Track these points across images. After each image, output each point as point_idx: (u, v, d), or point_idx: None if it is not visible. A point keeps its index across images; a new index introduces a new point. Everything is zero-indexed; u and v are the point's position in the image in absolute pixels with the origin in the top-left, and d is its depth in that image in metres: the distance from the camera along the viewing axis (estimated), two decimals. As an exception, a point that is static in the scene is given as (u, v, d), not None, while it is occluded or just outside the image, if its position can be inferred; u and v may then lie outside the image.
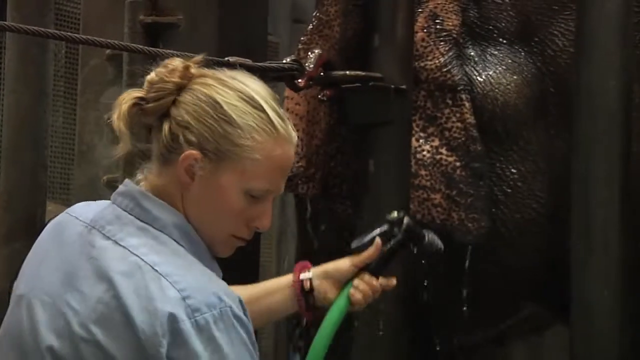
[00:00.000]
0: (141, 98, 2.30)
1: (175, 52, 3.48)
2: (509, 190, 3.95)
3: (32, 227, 4.27)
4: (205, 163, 2.34)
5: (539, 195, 3.90)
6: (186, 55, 3.41)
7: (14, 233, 4.30)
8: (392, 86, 3.66)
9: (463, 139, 3.83)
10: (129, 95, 2.29)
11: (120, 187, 2.42)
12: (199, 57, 2.42)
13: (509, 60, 3.99)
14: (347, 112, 3.81)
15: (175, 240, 2.36)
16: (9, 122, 4.36)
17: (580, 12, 3.71)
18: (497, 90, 3.94)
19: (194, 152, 2.30)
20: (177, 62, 2.35)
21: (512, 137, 3.95)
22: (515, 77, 3.94)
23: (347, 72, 3.73)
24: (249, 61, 3.53)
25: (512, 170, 3.91)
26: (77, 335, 2.27)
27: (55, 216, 3.96)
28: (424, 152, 3.83)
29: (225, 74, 2.41)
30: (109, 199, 2.87)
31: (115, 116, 2.28)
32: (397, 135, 3.68)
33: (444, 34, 3.94)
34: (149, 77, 2.36)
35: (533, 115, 3.92)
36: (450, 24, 3.98)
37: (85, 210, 2.49)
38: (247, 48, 3.75)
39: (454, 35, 3.97)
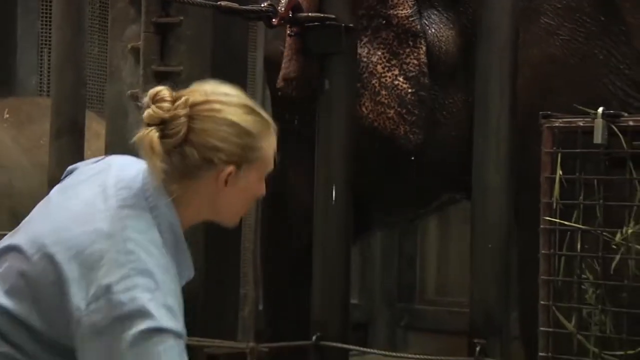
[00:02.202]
0: (163, 135, 2.43)
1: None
2: (445, 113, 4.18)
3: (74, 127, 4.53)
4: (237, 172, 2.53)
5: (464, 117, 4.08)
6: (189, 2, 3.98)
7: (62, 132, 4.52)
8: (343, 25, 3.93)
9: (416, 72, 4.07)
10: (154, 136, 2.42)
11: (147, 175, 2.55)
12: (190, 91, 2.54)
13: (445, 19, 4.16)
14: (308, 45, 4.11)
15: (160, 232, 2.50)
16: (56, 50, 4.57)
17: None
18: (441, 40, 4.13)
19: (230, 167, 2.51)
20: (168, 93, 2.49)
21: (450, 75, 4.16)
22: (451, 31, 4.13)
23: (309, 14, 4.01)
24: (236, 5, 3.85)
25: (449, 100, 4.15)
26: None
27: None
28: (386, 78, 4.07)
29: (216, 92, 2.59)
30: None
31: (149, 154, 2.43)
32: (346, 62, 3.95)
33: None
34: (157, 113, 2.46)
35: (463, 59, 4.10)
36: None
37: (122, 166, 2.67)
38: (234, -2, 4.02)
39: None
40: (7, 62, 7.38)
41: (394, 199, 4.61)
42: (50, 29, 5.22)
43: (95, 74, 5.28)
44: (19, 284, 2.49)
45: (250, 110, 2.61)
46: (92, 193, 2.59)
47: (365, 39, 4.09)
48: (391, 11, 4.05)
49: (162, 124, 2.47)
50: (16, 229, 2.77)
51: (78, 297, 2.36)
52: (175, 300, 2.44)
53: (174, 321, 2.36)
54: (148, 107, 2.51)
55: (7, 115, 5.83)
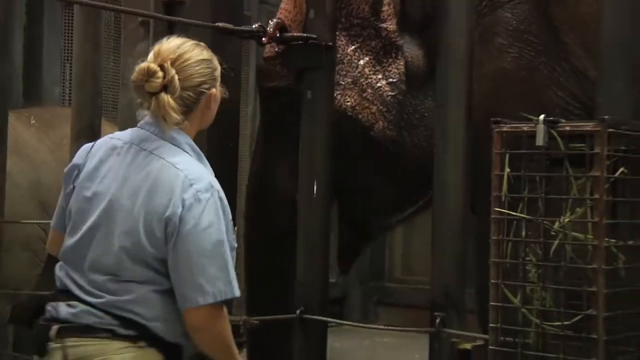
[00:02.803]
0: (167, 93, 2.81)
1: (183, 19, 3.94)
2: (418, 117, 4.17)
3: (91, 132, 4.53)
4: (214, 92, 3.03)
5: (428, 121, 4.04)
6: (191, 22, 3.90)
7: (81, 134, 4.51)
8: (323, 43, 3.93)
9: (396, 79, 4.07)
10: (165, 97, 2.81)
11: (147, 119, 2.96)
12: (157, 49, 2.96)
13: (416, 40, 4.15)
14: (293, 61, 4.12)
15: (186, 152, 2.94)
16: (77, 64, 4.61)
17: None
18: (412, 57, 4.14)
19: (212, 90, 3.00)
20: (155, 66, 2.84)
21: (420, 87, 4.14)
22: (420, 50, 4.13)
23: (294, 34, 4.04)
24: (231, 26, 3.92)
25: (422, 107, 4.13)
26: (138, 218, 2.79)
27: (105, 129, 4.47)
28: (372, 79, 4.06)
29: (178, 46, 2.96)
30: (137, 117, 3.43)
31: (168, 109, 2.81)
32: (326, 75, 3.96)
33: (397, 9, 4.10)
34: (157, 82, 2.82)
35: (429, 74, 4.02)
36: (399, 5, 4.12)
37: (120, 135, 3.06)
38: (230, 19, 3.98)
39: (397, 9, 4.11)
40: (34, 74, 7.39)
41: (386, 202, 4.56)
42: (72, 46, 5.18)
43: (109, 85, 5.24)
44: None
45: (201, 46, 3.05)
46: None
47: (357, 44, 4.07)
48: (382, 24, 4.04)
49: (163, 88, 2.82)
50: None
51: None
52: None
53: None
54: (146, 81, 2.83)
55: (34, 122, 5.81)
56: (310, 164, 4.00)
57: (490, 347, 3.15)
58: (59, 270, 2.90)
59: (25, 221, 5.23)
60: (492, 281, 3.12)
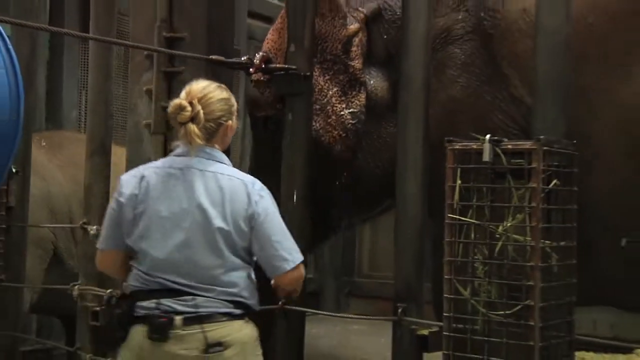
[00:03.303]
0: (194, 124, 3.07)
1: (182, 53, 3.97)
2: (379, 143, 4.15)
3: (103, 149, 4.47)
4: (231, 124, 3.24)
5: (390, 144, 3.97)
6: (188, 55, 3.92)
7: (94, 153, 4.44)
8: (302, 73, 3.92)
9: (357, 110, 4.02)
10: (191, 126, 3.07)
11: (184, 149, 3.16)
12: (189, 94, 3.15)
13: (381, 74, 4.12)
14: (277, 87, 4.08)
15: (228, 165, 3.22)
16: (91, 91, 4.54)
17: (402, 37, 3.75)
18: (377, 89, 4.11)
19: (228, 122, 3.23)
20: (185, 102, 3.10)
21: (384, 114, 4.10)
22: (385, 83, 4.10)
23: (277, 65, 4.03)
24: (223, 58, 3.92)
25: (384, 131, 4.10)
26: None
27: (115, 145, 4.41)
28: (337, 108, 4.00)
29: (204, 87, 3.19)
30: (145, 135, 3.65)
31: (194, 136, 3.07)
32: (304, 101, 3.94)
33: (364, 50, 4.09)
34: (186, 115, 3.08)
35: (392, 103, 3.95)
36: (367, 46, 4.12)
37: (167, 163, 3.20)
38: (222, 52, 3.98)
39: (363, 50, 4.08)
40: (55, 101, 7.36)
41: (353, 207, 4.55)
42: (87, 76, 5.04)
43: (119, 109, 5.17)
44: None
45: (222, 88, 3.26)
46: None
47: (328, 76, 4.01)
48: (350, 62, 3.99)
49: (191, 119, 3.06)
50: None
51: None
52: None
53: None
54: (178, 114, 3.08)
55: (44, 144, 5.82)
56: (291, 177, 3.96)
57: (444, 333, 3.15)
58: (146, 277, 3.04)
59: (44, 225, 5.22)
60: (446, 277, 3.13)
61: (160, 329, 2.89)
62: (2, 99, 2.25)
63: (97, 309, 4.22)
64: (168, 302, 2.94)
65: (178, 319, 2.90)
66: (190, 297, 2.96)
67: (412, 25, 3.64)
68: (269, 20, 8.00)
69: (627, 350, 7.04)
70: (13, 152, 2.35)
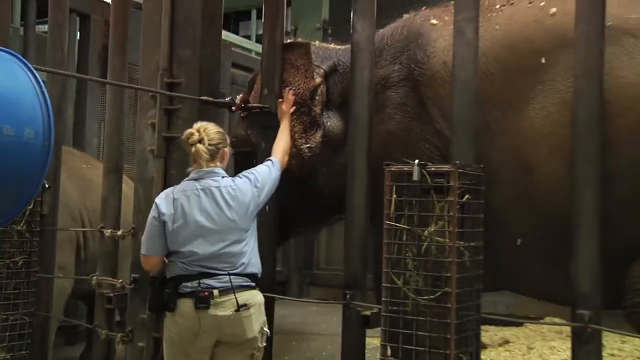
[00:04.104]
0: (200, 140, 3.34)
1: (179, 94, 3.93)
2: (334, 169, 3.97)
3: (117, 169, 4.45)
4: (227, 150, 3.48)
5: (343, 170, 3.78)
6: (184, 96, 3.88)
7: (110, 171, 4.43)
8: (273, 111, 3.93)
9: (314, 146, 3.89)
10: (200, 146, 3.33)
11: (201, 172, 3.36)
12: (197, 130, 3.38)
13: (338, 115, 3.97)
14: (253, 122, 4.05)
15: (229, 177, 3.40)
16: (108, 124, 4.50)
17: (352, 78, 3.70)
18: (334, 128, 3.96)
19: (225, 149, 3.47)
20: (195, 132, 3.37)
21: (337, 148, 3.94)
22: (339, 122, 3.95)
23: (254, 105, 3.99)
24: (211, 99, 3.93)
25: (339, 162, 3.91)
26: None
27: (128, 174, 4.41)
28: (298, 142, 3.86)
29: (207, 124, 3.43)
30: (150, 160, 3.74)
31: (202, 154, 3.34)
32: (274, 132, 3.85)
33: (324, 98, 3.97)
34: (195, 140, 3.36)
35: (343, 139, 3.84)
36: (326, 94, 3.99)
37: (189, 186, 3.34)
38: (210, 94, 3.96)
39: (324, 98, 3.97)
40: (79, 130, 7.33)
41: (315, 218, 4.48)
42: (105, 111, 5.00)
43: (129, 138, 5.10)
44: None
45: (218, 126, 3.49)
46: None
47: (294, 116, 3.88)
48: (313, 107, 3.89)
49: (199, 141, 3.33)
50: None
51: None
52: None
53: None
54: (189, 137, 3.37)
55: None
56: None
57: (382, 313, 3.15)
58: (188, 267, 3.28)
59: (72, 229, 5.18)
60: (384, 270, 3.13)
61: (204, 300, 3.18)
62: (37, 130, 2.25)
63: (111, 294, 4.27)
64: (208, 282, 3.22)
65: (216, 291, 3.19)
66: (225, 276, 3.24)
67: (358, 76, 3.63)
68: (248, 69, 8.07)
69: (519, 324, 7.16)
70: (45, 171, 2.33)
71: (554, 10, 3.30)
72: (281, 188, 3.68)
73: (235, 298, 3.20)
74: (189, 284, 3.22)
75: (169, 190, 3.42)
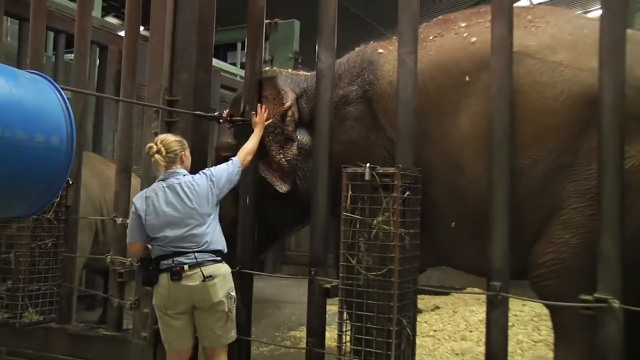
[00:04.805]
0: (160, 155, 3.35)
1: (177, 109, 3.85)
2: (309, 175, 3.80)
3: (127, 169, 4.38)
4: (185, 154, 3.43)
5: (307, 175, 3.82)
6: (181, 111, 3.87)
7: (121, 171, 4.38)
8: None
9: (290, 158, 3.80)
10: (158, 156, 3.35)
11: (166, 174, 3.35)
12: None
13: (308, 132, 3.87)
14: (237, 132, 3.97)
15: (190, 174, 3.37)
16: (120, 133, 4.45)
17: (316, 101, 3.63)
18: (304, 143, 3.87)
19: (183, 152, 3.44)
20: (157, 143, 3.38)
21: (307, 156, 3.85)
22: (308, 137, 3.85)
23: (237, 118, 3.91)
24: (203, 113, 3.87)
25: (307, 167, 3.84)
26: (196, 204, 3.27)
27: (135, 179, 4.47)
28: (276, 156, 3.79)
29: (167, 136, 3.46)
30: (151, 161, 3.59)
31: (160, 162, 3.36)
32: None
33: (295, 117, 3.88)
34: (154, 150, 3.36)
35: (309, 154, 3.79)
36: (298, 114, 3.90)
37: (157, 186, 3.33)
38: (203, 109, 3.91)
39: (295, 117, 3.88)
40: (97, 138, 7.27)
41: (291, 224, 4.33)
42: (117, 123, 4.95)
43: (137, 144, 5.02)
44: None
45: (177, 135, 3.51)
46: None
47: (271, 137, 3.81)
48: (285, 127, 3.82)
49: (157, 152, 3.36)
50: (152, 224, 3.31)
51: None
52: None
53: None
54: (148, 151, 3.41)
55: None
56: (245, 187, 3.84)
57: (340, 286, 3.13)
58: (164, 248, 3.27)
59: (90, 217, 5.14)
60: (341, 251, 3.12)
61: (177, 274, 3.19)
62: (62, 137, 2.25)
63: (122, 270, 4.22)
64: (179, 259, 3.21)
65: (186, 267, 3.19)
66: (192, 254, 3.22)
67: (321, 96, 3.60)
68: (234, 90, 8.04)
69: (447, 293, 7.22)
70: (68, 170, 2.32)
71: (474, 39, 3.31)
72: (272, 206, 3.77)
73: (201, 271, 3.19)
74: (165, 262, 3.23)
75: (143, 190, 3.44)
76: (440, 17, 3.63)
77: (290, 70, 4.37)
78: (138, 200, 3.34)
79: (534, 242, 3.12)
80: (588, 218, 2.92)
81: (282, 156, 3.85)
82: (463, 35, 3.39)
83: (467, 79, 3.26)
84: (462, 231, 3.36)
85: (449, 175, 3.30)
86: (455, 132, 3.28)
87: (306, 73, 4.22)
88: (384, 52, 3.72)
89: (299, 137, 3.90)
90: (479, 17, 3.44)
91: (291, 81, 4.05)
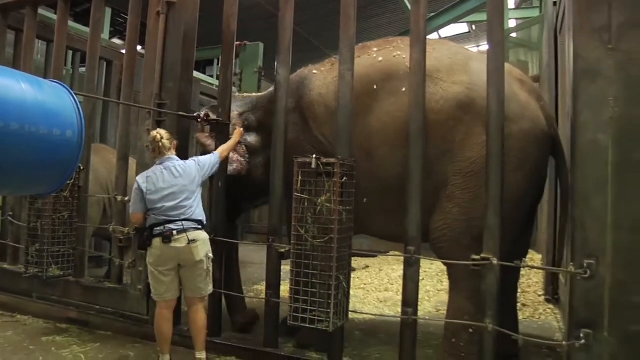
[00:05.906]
0: (162, 138, 3.26)
1: (165, 110, 3.67)
2: (258, 164, 3.78)
3: (126, 157, 4.18)
4: (175, 144, 3.33)
5: (261, 166, 3.75)
6: (167, 112, 3.71)
7: (121, 158, 4.17)
8: (224, 123, 3.69)
9: (242, 152, 3.72)
10: (162, 145, 3.25)
11: (163, 159, 3.24)
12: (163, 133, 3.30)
13: (255, 134, 3.79)
14: (212, 129, 3.78)
15: (180, 159, 3.27)
16: (121, 129, 4.23)
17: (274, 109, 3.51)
18: (253, 142, 3.77)
19: (175, 142, 3.32)
20: (155, 135, 3.27)
21: (256, 153, 3.78)
22: (257, 137, 3.77)
23: (214, 118, 3.71)
24: (185, 113, 3.71)
25: (256, 162, 3.75)
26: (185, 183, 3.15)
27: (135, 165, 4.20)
28: (240, 153, 3.69)
29: (159, 130, 3.32)
30: (147, 152, 3.39)
31: (164, 142, 3.26)
32: (225, 137, 3.67)
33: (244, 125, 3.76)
34: (154, 139, 3.26)
35: (260, 148, 3.76)
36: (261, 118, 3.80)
37: (156, 168, 3.21)
38: (185, 111, 3.77)
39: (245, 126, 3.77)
40: (104, 133, 7.01)
41: (248, 200, 4.12)
42: (119, 121, 4.69)
43: (134, 137, 4.75)
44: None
45: (168, 131, 3.36)
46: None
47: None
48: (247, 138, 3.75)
49: (162, 139, 3.28)
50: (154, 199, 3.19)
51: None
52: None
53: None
54: (154, 138, 3.28)
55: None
56: (219, 174, 3.66)
57: (291, 251, 3.07)
58: (158, 217, 3.15)
59: (98, 195, 4.96)
60: (293, 224, 3.05)
61: (167, 238, 3.09)
62: (74, 132, 2.27)
63: (122, 237, 4.09)
64: (170, 226, 3.11)
65: (175, 232, 3.09)
66: (179, 222, 3.12)
67: (279, 102, 3.51)
68: (210, 96, 7.87)
69: (374, 256, 7.21)
70: (79, 158, 2.25)
71: (381, 59, 3.36)
72: (234, 188, 3.61)
73: (187, 236, 3.10)
74: (158, 228, 3.13)
75: (144, 172, 3.31)
76: (361, 44, 3.59)
77: (245, 94, 4.22)
78: (140, 178, 3.22)
79: (431, 213, 3.11)
80: (464, 192, 2.98)
81: (243, 152, 3.79)
82: (373, 56, 3.43)
83: (374, 87, 3.29)
84: (372, 205, 3.34)
85: (362, 161, 3.25)
86: (366, 128, 3.27)
87: (256, 94, 4.15)
88: (317, 73, 3.69)
89: (247, 139, 3.81)
90: (386, 44, 3.49)
91: (241, 102, 3.95)
